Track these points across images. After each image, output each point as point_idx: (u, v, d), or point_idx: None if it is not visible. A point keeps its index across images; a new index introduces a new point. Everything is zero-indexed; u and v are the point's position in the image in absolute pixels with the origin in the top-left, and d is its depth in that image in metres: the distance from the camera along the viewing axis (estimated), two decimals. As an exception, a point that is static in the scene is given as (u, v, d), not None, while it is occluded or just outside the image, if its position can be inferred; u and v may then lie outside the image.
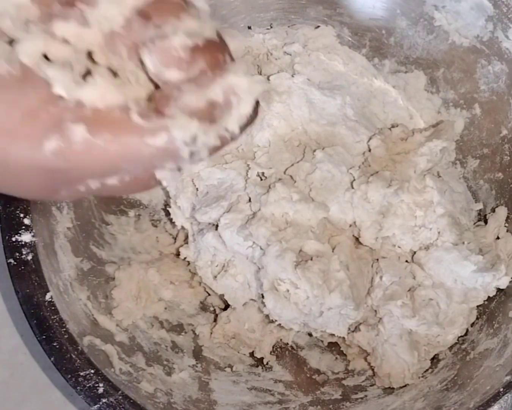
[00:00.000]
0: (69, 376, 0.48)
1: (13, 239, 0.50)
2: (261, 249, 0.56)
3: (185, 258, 0.62)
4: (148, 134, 0.36)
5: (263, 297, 0.56)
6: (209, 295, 0.63)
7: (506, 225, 0.61)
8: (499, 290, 0.58)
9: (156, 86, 0.39)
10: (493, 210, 0.63)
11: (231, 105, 0.37)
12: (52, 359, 0.48)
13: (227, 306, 0.61)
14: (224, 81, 0.37)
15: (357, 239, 0.60)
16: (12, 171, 0.38)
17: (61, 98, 0.36)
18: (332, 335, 0.59)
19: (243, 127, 0.38)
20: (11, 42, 0.37)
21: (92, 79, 0.37)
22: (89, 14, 0.36)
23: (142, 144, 0.36)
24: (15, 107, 0.36)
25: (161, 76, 0.37)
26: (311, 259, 0.56)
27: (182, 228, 0.62)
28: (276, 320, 0.57)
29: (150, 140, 0.36)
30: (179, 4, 0.39)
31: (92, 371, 0.48)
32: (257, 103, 0.38)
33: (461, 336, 0.59)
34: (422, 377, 0.58)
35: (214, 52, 0.39)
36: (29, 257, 0.50)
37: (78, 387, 0.48)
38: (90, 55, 0.38)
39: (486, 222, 0.63)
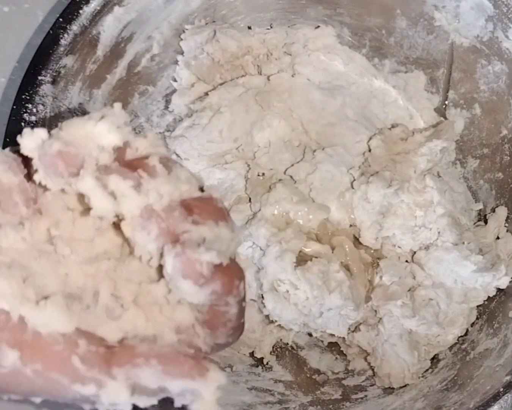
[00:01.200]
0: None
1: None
2: (261, 249, 0.57)
3: (185, 258, 0.62)
4: (79, 380, 0.35)
5: (263, 297, 0.56)
6: (209, 295, 0.63)
7: (506, 225, 0.61)
8: (499, 290, 0.58)
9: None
10: (493, 210, 0.63)
11: (183, 397, 0.36)
12: (52, 359, 0.48)
13: (227, 306, 0.61)
14: (191, 384, 0.35)
15: (357, 239, 0.60)
16: None
17: (3, 310, 0.34)
18: (332, 335, 0.59)
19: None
20: None
21: (47, 301, 0.35)
22: (145, 181, 0.35)
23: (68, 387, 0.35)
24: None
25: (175, 282, 0.36)
26: (311, 260, 0.56)
27: (182, 228, 0.62)
28: (276, 321, 0.57)
29: (78, 387, 0.35)
30: (222, 212, 0.38)
31: (92, 371, 0.48)
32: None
33: (461, 336, 0.59)
34: (422, 377, 0.58)
35: (230, 315, 0.39)
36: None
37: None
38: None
39: (486, 222, 0.62)
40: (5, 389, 0.36)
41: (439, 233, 0.59)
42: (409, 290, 0.59)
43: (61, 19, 0.54)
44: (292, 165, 0.61)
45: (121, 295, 0.39)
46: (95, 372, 0.35)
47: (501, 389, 0.50)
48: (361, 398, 0.58)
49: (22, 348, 0.34)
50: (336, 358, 0.62)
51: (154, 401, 0.36)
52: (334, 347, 0.62)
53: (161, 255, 0.36)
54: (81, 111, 0.56)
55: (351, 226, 0.60)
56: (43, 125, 0.53)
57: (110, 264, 0.39)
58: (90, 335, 0.37)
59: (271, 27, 0.65)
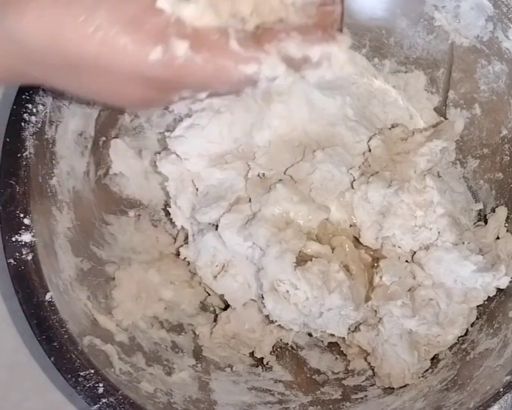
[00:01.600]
0: (69, 376, 0.48)
1: (13, 239, 0.50)
2: (261, 249, 0.56)
3: (185, 258, 0.62)
4: (241, 61, 0.40)
5: (263, 297, 0.56)
6: (209, 295, 0.63)
7: (506, 225, 0.61)
8: (499, 290, 0.58)
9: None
10: (493, 210, 0.63)
11: (321, 66, 0.42)
12: (52, 359, 0.48)
13: (227, 306, 0.61)
14: (327, 47, 0.42)
15: (357, 239, 0.60)
16: (115, 78, 0.40)
17: (162, 11, 0.38)
18: (332, 335, 0.59)
19: None
20: None
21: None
22: None
23: (234, 69, 0.40)
24: (118, 15, 0.38)
25: None
26: (311, 260, 0.56)
27: (182, 228, 0.62)
28: (276, 321, 0.57)
29: (242, 67, 0.40)
30: None
31: (92, 371, 0.48)
32: None
33: (461, 336, 0.59)
34: (422, 377, 0.58)
35: (335, 14, 0.44)
36: (29, 257, 0.50)
37: (78, 387, 0.48)
38: None
39: (486, 222, 0.63)
40: (182, 81, 0.41)
41: (439, 233, 0.59)
42: (409, 290, 0.59)
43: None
44: (292, 165, 0.61)
45: (239, 10, 0.42)
46: (251, 51, 0.40)
47: (501, 389, 0.50)
48: (361, 398, 0.58)
49: (189, 40, 0.39)
50: (336, 358, 0.62)
51: (300, 75, 0.42)
52: (334, 347, 0.63)
53: None
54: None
55: (351, 226, 0.60)
56: (43, 125, 0.53)
57: None
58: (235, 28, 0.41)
59: (271, 27, 0.65)
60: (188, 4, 0.39)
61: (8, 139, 0.52)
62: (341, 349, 0.62)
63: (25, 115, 0.52)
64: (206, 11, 0.39)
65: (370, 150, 0.62)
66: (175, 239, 0.65)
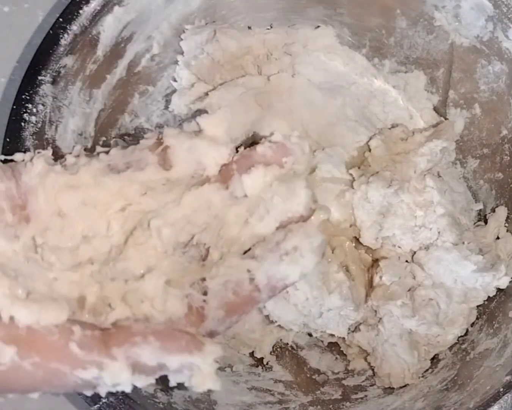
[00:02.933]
0: (69, 376, 0.48)
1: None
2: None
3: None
4: (79, 365, 0.35)
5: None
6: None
7: (506, 225, 0.61)
8: (499, 290, 0.58)
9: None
10: (493, 210, 0.63)
11: (180, 374, 0.37)
12: (52, 359, 0.48)
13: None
14: (189, 358, 0.37)
15: (357, 239, 0.60)
16: None
17: None
18: (332, 335, 0.59)
19: None
20: None
21: (34, 296, 0.36)
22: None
23: (70, 374, 0.35)
24: None
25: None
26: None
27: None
28: (276, 321, 0.57)
29: (79, 372, 0.35)
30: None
31: (92, 371, 0.48)
32: None
33: (461, 336, 0.59)
34: (422, 377, 0.58)
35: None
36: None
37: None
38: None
39: (486, 222, 0.63)
40: (5, 387, 0.36)
41: (439, 233, 0.59)
42: (409, 290, 0.59)
43: (61, 19, 0.54)
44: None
45: (108, 295, 0.40)
46: (94, 355, 0.35)
47: (501, 389, 0.50)
48: (361, 398, 0.58)
49: (18, 343, 0.34)
50: (336, 358, 0.62)
51: (152, 380, 0.37)
52: (334, 347, 0.62)
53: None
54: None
55: (351, 226, 0.60)
56: (43, 125, 0.53)
57: (95, 268, 0.40)
58: (83, 322, 0.37)
59: (271, 27, 0.65)
60: (22, 305, 0.35)
61: (8, 139, 0.52)
62: (341, 349, 0.62)
63: (25, 115, 0.52)
64: (47, 313, 0.36)
65: (370, 150, 0.62)
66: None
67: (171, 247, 0.42)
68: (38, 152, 0.42)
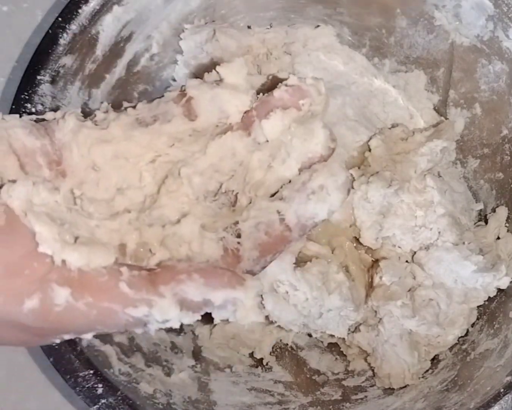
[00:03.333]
0: (68, 376, 0.48)
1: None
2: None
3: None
4: (130, 304, 0.37)
5: (262, 298, 0.56)
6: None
7: (507, 225, 0.61)
8: (499, 290, 0.58)
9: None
10: (493, 210, 0.63)
11: (225, 309, 0.39)
12: (51, 359, 0.48)
13: (226, 306, 0.61)
14: (232, 293, 0.39)
15: (357, 240, 0.60)
16: None
17: (46, 255, 0.36)
18: (332, 335, 0.59)
19: None
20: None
21: (83, 239, 0.38)
22: None
23: (121, 313, 0.37)
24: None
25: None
26: (311, 261, 0.56)
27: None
28: (275, 321, 0.57)
29: (131, 310, 0.37)
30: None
31: (91, 371, 0.48)
32: None
33: (462, 337, 0.59)
34: (422, 377, 0.58)
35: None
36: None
37: (77, 388, 0.48)
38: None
39: (486, 222, 0.62)
40: (61, 328, 0.37)
41: (439, 233, 0.59)
42: (409, 290, 0.59)
43: (60, 19, 0.54)
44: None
45: (147, 241, 0.42)
46: (143, 293, 0.37)
47: (502, 390, 0.50)
48: (361, 398, 0.58)
49: (71, 285, 0.36)
50: (336, 358, 0.62)
51: (198, 316, 0.39)
52: (334, 347, 0.62)
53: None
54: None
55: (351, 226, 0.60)
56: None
57: (132, 215, 0.43)
58: (129, 264, 0.40)
59: (271, 27, 0.65)
60: (73, 249, 0.37)
61: (7, 139, 0.52)
62: (341, 349, 0.62)
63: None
64: (96, 256, 0.37)
65: (370, 150, 0.62)
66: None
67: (202, 194, 0.44)
68: (69, 110, 0.44)
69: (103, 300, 0.37)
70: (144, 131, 0.44)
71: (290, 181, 0.45)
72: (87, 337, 0.39)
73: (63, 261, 0.36)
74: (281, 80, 0.47)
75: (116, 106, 0.47)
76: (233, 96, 0.45)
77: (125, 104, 0.46)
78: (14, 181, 0.38)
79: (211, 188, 0.45)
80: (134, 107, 0.45)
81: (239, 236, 0.43)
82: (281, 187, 0.45)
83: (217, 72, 0.46)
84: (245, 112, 0.45)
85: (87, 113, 0.45)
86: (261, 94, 0.47)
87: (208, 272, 0.39)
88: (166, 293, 0.37)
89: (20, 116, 0.43)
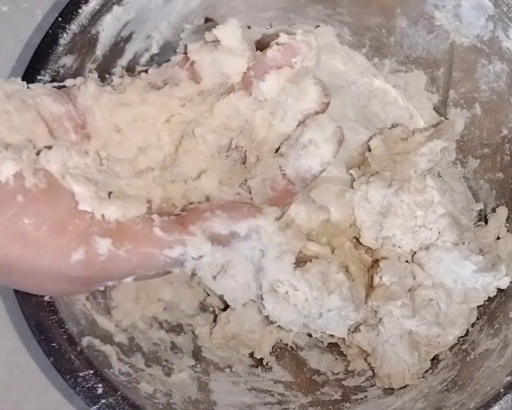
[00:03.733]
0: (68, 376, 0.48)
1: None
2: (260, 250, 0.56)
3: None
4: (166, 246, 0.40)
5: (262, 298, 0.56)
6: (208, 295, 0.63)
7: (507, 225, 0.61)
8: (499, 290, 0.58)
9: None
10: (493, 210, 0.63)
11: (250, 239, 0.44)
12: (51, 359, 0.48)
13: (226, 306, 0.61)
14: (254, 222, 0.43)
15: (357, 240, 0.60)
16: (39, 277, 0.40)
17: (86, 212, 0.40)
18: (332, 335, 0.59)
19: None
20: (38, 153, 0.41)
21: (116, 194, 0.41)
22: None
23: (159, 255, 0.40)
24: (42, 220, 0.38)
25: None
26: (311, 261, 0.56)
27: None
28: (275, 321, 0.57)
29: (167, 251, 0.40)
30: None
31: (91, 371, 0.48)
32: None
33: (462, 337, 0.59)
34: (422, 377, 0.58)
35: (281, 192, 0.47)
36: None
37: (77, 388, 0.48)
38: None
39: (486, 222, 0.62)
40: (105, 275, 0.41)
41: (439, 233, 0.59)
42: (409, 290, 0.59)
43: (60, 19, 0.54)
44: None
45: (170, 196, 0.45)
46: (176, 235, 0.41)
47: (502, 390, 0.50)
48: (361, 398, 0.58)
49: (111, 236, 0.40)
50: (336, 358, 0.62)
51: (229, 250, 0.43)
52: (334, 347, 0.62)
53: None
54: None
55: (351, 226, 0.60)
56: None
57: (155, 173, 0.46)
58: (159, 212, 0.43)
59: (271, 27, 0.65)
60: (109, 203, 0.40)
61: (7, 139, 0.52)
62: (341, 349, 0.62)
63: (47, 84, 0.52)
64: (130, 207, 0.41)
65: (370, 150, 0.62)
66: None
67: (215, 151, 0.47)
68: (88, 76, 0.48)
69: (141, 245, 0.40)
70: (157, 94, 0.47)
71: (288, 137, 0.47)
72: (128, 280, 0.42)
73: (102, 215, 0.39)
74: (273, 38, 0.49)
75: (130, 71, 0.51)
76: (229, 59, 0.47)
77: (138, 68, 0.50)
78: (49, 147, 0.41)
79: (223, 144, 0.48)
80: (146, 71, 0.48)
81: (250, 192, 0.47)
82: (281, 143, 0.48)
83: (214, 35, 0.49)
84: (244, 73, 0.48)
85: (103, 78, 0.49)
86: (258, 51, 0.49)
87: (229, 207, 0.43)
88: (196, 231, 0.41)
89: (44, 84, 0.46)
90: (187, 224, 0.41)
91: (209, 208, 0.42)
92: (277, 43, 0.48)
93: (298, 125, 0.48)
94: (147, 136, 0.46)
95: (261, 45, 0.50)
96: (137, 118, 0.46)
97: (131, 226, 0.40)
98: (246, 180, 0.47)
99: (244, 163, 0.49)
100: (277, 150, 0.48)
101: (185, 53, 0.49)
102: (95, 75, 0.47)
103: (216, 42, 0.49)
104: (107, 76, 0.49)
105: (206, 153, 0.47)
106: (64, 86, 0.47)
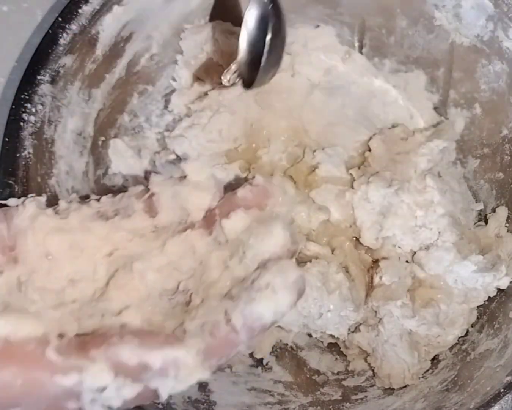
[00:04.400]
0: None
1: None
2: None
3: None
4: (59, 371, 0.35)
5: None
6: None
7: (507, 225, 0.61)
8: (499, 290, 0.58)
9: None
10: (493, 210, 0.63)
11: (167, 375, 0.36)
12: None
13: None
14: (171, 351, 0.36)
15: (357, 240, 0.60)
16: None
17: None
18: (332, 335, 0.59)
19: None
20: None
21: (12, 309, 0.37)
22: None
23: (50, 382, 0.35)
24: None
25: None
26: (310, 261, 0.56)
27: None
28: (275, 321, 0.57)
29: (59, 378, 0.35)
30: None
31: (91, 371, 0.48)
32: None
33: (462, 337, 0.59)
34: (422, 377, 0.58)
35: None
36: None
37: (77, 388, 0.47)
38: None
39: (486, 222, 0.62)
40: None
41: (439, 233, 0.59)
42: (409, 290, 0.59)
43: (60, 19, 0.54)
44: (292, 165, 0.61)
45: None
46: (72, 359, 0.35)
47: (502, 390, 0.50)
48: (361, 398, 0.58)
49: None
50: (336, 358, 0.62)
51: (139, 388, 0.35)
52: (334, 347, 0.62)
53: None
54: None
55: (351, 226, 0.60)
56: (42, 125, 0.53)
57: (75, 306, 0.41)
58: (58, 334, 0.37)
59: (271, 27, 0.65)
60: (3, 317, 0.36)
61: (7, 139, 0.52)
62: (341, 349, 0.62)
63: (24, 115, 0.52)
64: (24, 325, 0.36)
65: (370, 150, 0.62)
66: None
67: (157, 292, 0.42)
68: (32, 196, 0.43)
69: (29, 368, 0.34)
70: (102, 225, 0.43)
71: (243, 280, 0.42)
72: None
73: None
74: (245, 179, 0.47)
75: (85, 198, 0.47)
76: (194, 194, 0.44)
77: (92, 196, 0.45)
78: None
79: (169, 287, 0.43)
80: (98, 200, 0.45)
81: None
82: (233, 286, 0.42)
83: (182, 169, 0.46)
84: (208, 211, 0.45)
85: (52, 202, 0.44)
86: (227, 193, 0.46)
87: (143, 333, 0.37)
88: (98, 356, 0.35)
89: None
90: (89, 347, 0.35)
91: (119, 332, 0.37)
92: (250, 184, 0.44)
93: (256, 269, 0.41)
94: (81, 267, 0.42)
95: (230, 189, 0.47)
96: (74, 247, 0.42)
97: (21, 346, 0.35)
98: (181, 324, 0.40)
99: (187, 305, 0.42)
100: (226, 294, 0.42)
101: (146, 186, 0.45)
102: (42, 198, 0.43)
103: (182, 177, 0.45)
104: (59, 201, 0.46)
105: (142, 291, 0.42)
106: (5, 205, 0.43)
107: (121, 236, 0.43)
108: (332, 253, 0.59)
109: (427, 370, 0.59)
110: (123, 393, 0.35)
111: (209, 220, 0.44)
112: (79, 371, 0.35)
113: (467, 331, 0.59)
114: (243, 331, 0.38)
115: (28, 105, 0.52)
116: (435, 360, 0.59)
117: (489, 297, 0.58)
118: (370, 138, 0.63)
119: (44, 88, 0.53)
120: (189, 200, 0.44)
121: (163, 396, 0.36)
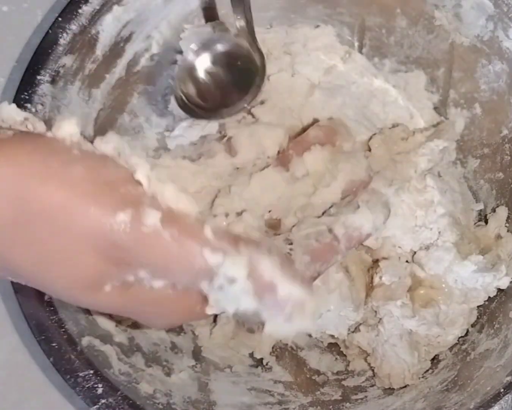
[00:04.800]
0: (68, 376, 0.48)
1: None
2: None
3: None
4: (208, 248, 0.37)
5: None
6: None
7: (507, 225, 0.61)
8: (499, 290, 0.58)
9: None
10: (493, 210, 0.63)
11: (282, 310, 0.39)
12: (51, 359, 0.48)
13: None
14: (301, 295, 0.38)
15: (357, 239, 0.60)
16: (71, 240, 0.36)
17: (139, 184, 0.37)
18: (332, 335, 0.59)
19: None
20: None
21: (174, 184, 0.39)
22: None
23: (199, 255, 0.37)
24: (93, 174, 0.37)
25: None
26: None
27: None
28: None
29: (208, 253, 0.37)
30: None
31: (91, 371, 0.48)
32: None
33: (462, 337, 0.59)
34: (422, 377, 0.58)
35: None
36: (28, 257, 0.50)
37: (77, 388, 0.48)
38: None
39: (486, 222, 0.62)
40: (141, 256, 0.37)
41: (439, 232, 0.59)
42: (409, 290, 0.59)
43: (60, 19, 0.54)
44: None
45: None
46: (223, 243, 0.38)
47: (502, 390, 0.50)
48: (361, 398, 0.58)
49: (162, 211, 0.37)
50: (336, 358, 0.62)
51: (255, 304, 0.38)
52: (334, 347, 0.62)
53: None
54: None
55: (351, 226, 0.60)
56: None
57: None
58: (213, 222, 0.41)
59: (271, 27, 0.65)
60: (165, 186, 0.38)
61: (7, 139, 0.52)
62: (341, 349, 0.62)
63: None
64: (184, 199, 0.38)
65: (370, 150, 0.62)
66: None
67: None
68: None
69: (187, 236, 0.37)
70: (191, 164, 0.50)
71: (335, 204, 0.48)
72: (159, 284, 0.39)
73: (154, 193, 0.37)
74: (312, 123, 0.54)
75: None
76: (268, 130, 0.50)
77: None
78: None
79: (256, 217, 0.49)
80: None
81: (291, 243, 0.45)
82: (325, 211, 0.48)
83: (253, 114, 0.52)
84: (280, 152, 0.50)
85: None
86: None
87: (287, 260, 0.41)
88: (244, 252, 0.38)
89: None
90: (240, 243, 0.38)
91: (268, 245, 0.39)
92: (318, 125, 0.51)
93: (343, 192, 0.49)
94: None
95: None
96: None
97: (183, 216, 0.38)
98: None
99: (276, 229, 0.49)
100: (323, 213, 0.49)
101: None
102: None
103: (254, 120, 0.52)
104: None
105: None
106: None
107: (207, 174, 0.49)
108: (332, 253, 0.58)
109: (427, 370, 0.59)
110: (242, 300, 0.38)
111: (284, 159, 0.50)
112: (224, 254, 0.37)
113: (467, 331, 0.59)
114: (343, 240, 0.46)
115: (28, 105, 0.52)
116: (435, 360, 0.59)
117: (489, 297, 0.58)
118: (370, 138, 0.63)
119: (44, 88, 0.53)
120: (264, 136, 0.50)
121: (266, 330, 0.39)
